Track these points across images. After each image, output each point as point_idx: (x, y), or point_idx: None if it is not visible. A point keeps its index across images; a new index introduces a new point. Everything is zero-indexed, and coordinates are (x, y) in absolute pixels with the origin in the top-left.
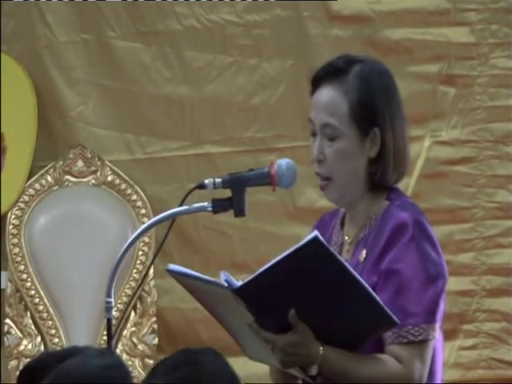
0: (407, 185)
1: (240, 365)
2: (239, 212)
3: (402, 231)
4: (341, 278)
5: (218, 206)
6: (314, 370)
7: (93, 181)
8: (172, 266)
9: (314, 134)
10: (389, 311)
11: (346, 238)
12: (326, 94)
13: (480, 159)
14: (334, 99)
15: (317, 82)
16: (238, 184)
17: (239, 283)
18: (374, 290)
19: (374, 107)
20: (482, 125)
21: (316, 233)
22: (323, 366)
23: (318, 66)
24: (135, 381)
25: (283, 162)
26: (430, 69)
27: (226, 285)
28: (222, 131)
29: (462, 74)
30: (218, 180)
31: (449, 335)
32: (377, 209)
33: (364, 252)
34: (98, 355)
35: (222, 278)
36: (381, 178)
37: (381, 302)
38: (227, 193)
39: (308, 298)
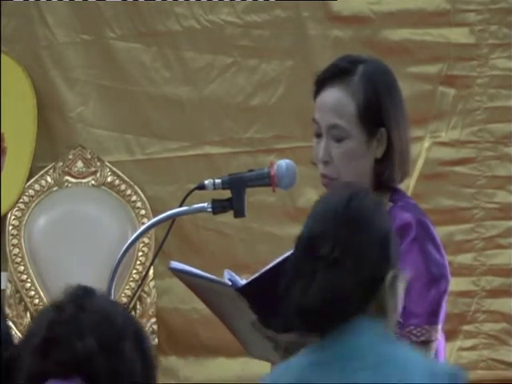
0: (407, 185)
1: (240, 364)
2: (239, 213)
3: (405, 232)
4: None
5: (218, 206)
6: None
7: (92, 181)
8: (174, 264)
9: (318, 135)
10: None
11: None
12: (333, 95)
13: (480, 160)
14: (341, 100)
15: (321, 83)
16: (237, 185)
17: (243, 282)
18: None
19: (380, 107)
20: (482, 125)
21: None
22: None
23: (318, 67)
24: None
25: (283, 162)
26: (430, 69)
27: (230, 283)
28: (222, 132)
29: (462, 74)
30: (218, 181)
31: (449, 336)
32: None
33: None
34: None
35: (226, 276)
36: (388, 177)
37: None
38: (227, 193)
39: None
